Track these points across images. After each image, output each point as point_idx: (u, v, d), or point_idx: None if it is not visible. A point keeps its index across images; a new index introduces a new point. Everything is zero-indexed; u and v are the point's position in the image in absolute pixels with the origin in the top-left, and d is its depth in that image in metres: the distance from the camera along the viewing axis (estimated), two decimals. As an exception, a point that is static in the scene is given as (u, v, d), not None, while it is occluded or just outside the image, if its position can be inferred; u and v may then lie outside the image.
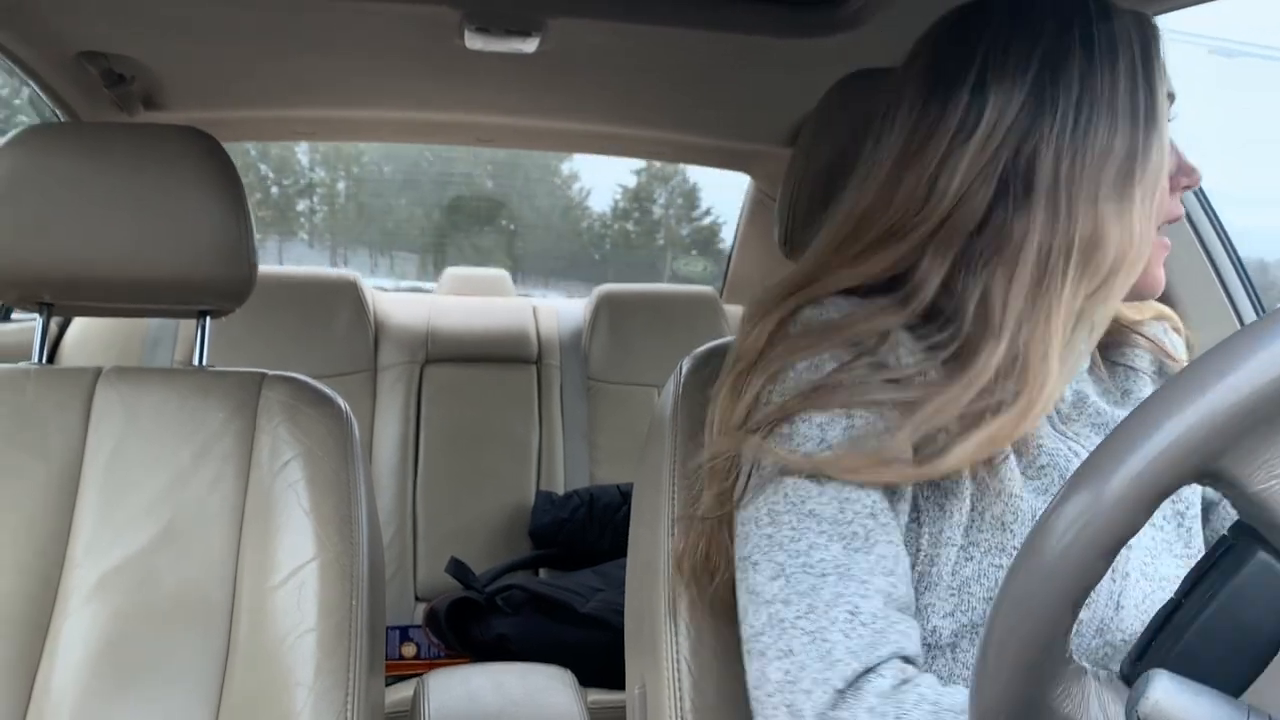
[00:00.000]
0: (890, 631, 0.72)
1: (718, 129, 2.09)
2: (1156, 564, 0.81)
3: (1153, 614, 0.76)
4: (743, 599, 0.79)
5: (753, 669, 0.76)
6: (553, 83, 1.77)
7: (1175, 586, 0.76)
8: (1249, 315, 1.54)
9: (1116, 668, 0.76)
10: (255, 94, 1.91)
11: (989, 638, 0.48)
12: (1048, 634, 0.46)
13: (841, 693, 0.71)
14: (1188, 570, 0.78)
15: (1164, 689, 0.42)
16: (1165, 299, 1.38)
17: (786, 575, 0.75)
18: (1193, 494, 0.86)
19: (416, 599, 2.15)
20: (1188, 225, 1.47)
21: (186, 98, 1.86)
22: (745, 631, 0.78)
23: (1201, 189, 1.47)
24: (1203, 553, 0.80)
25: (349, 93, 1.91)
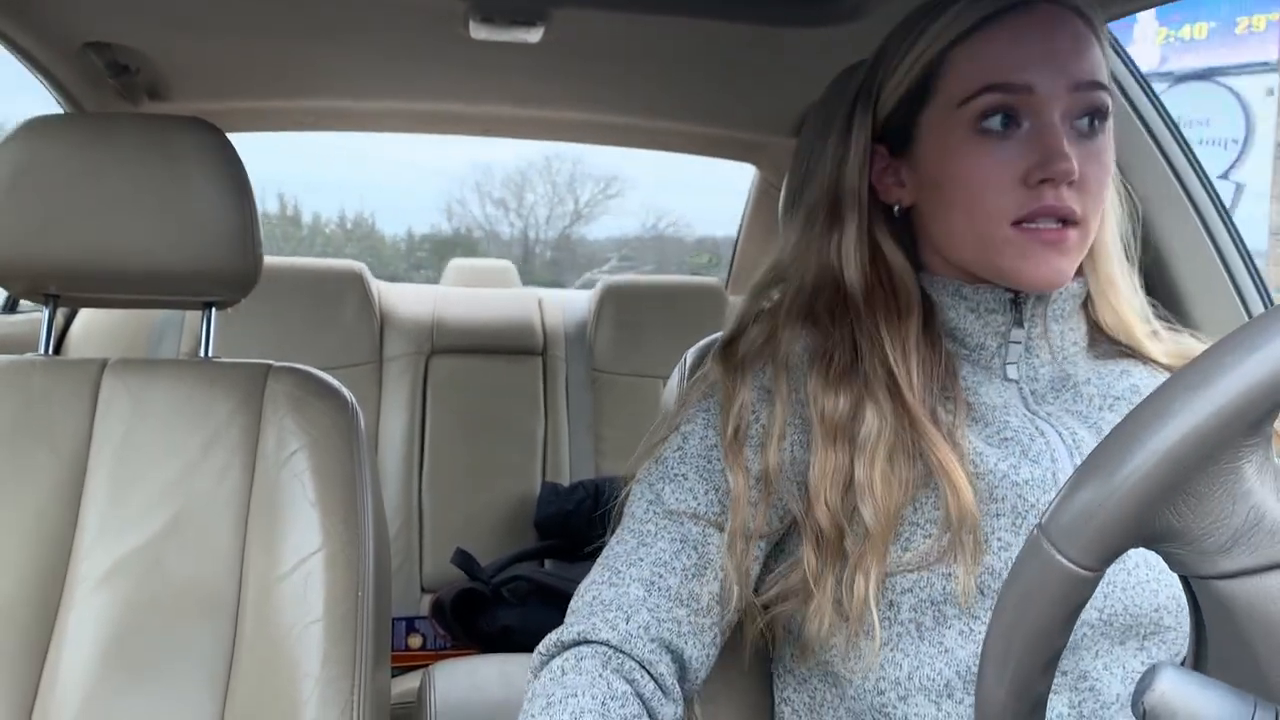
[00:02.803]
0: None
1: (721, 119, 2.09)
2: None
3: (1154, 589, 0.76)
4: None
5: None
6: (557, 73, 1.76)
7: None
8: (1255, 303, 1.53)
9: (1115, 641, 0.77)
10: (260, 85, 1.90)
11: (990, 640, 0.48)
12: (1049, 636, 0.46)
13: None
14: None
15: (1170, 681, 0.42)
16: (1170, 287, 1.37)
17: None
18: None
19: (422, 590, 2.16)
20: (1193, 213, 1.46)
21: (191, 88, 1.85)
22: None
23: (1207, 177, 1.45)
24: None
25: (353, 83, 1.90)
